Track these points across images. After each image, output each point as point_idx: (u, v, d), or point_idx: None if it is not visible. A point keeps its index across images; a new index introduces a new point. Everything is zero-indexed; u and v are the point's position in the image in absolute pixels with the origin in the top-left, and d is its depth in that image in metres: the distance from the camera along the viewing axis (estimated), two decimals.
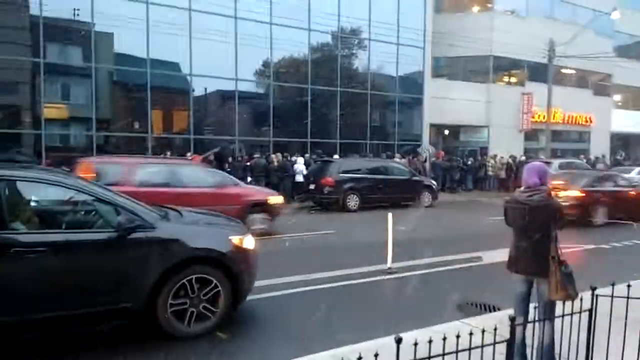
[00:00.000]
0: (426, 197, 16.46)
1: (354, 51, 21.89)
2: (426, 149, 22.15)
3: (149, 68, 16.66)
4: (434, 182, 17.37)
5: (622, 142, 32.95)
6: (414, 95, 23.10)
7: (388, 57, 21.77)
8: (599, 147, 29.62)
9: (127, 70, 17.12)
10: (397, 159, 18.94)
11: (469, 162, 22.71)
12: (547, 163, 20.31)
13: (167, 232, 4.59)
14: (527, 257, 3.84)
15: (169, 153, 15.69)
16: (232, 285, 4.81)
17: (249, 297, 5.42)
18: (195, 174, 11.66)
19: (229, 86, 18.48)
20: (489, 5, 25.77)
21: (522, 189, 3.91)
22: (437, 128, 25.17)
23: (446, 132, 26.39)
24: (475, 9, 26.49)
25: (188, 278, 4.58)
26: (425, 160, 20.84)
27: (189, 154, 16.06)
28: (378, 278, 7.05)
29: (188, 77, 17.68)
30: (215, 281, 4.70)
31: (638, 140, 33.74)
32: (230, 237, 4.92)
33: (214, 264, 4.73)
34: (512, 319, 2.94)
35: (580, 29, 22.29)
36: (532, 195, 3.80)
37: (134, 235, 4.36)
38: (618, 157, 28.73)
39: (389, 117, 23.17)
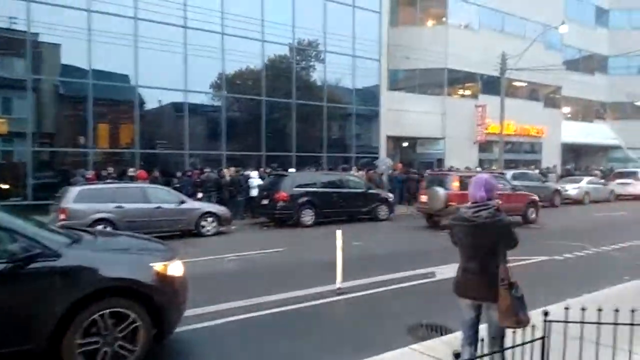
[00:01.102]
0: (383, 210, 16.24)
1: (310, 63, 21.64)
2: (384, 161, 22.04)
3: (92, 79, 15.79)
4: (390, 195, 17.18)
5: (573, 153, 34.08)
6: (371, 108, 23.04)
7: (344, 69, 21.64)
8: (551, 157, 30.48)
9: (70, 82, 16.16)
10: (353, 172, 18.69)
11: (425, 174, 22.71)
12: (501, 174, 20.64)
13: (75, 260, 4.01)
14: (476, 281, 3.48)
15: (110, 169, 14.81)
16: (154, 318, 4.26)
17: (180, 329, 4.88)
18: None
19: (178, 98, 17.78)
20: (443, 19, 26.19)
21: (468, 204, 3.57)
22: (394, 140, 25.18)
23: (404, 144, 26.47)
24: (430, 23, 26.87)
25: (100, 313, 4.00)
26: (383, 173, 20.69)
27: (131, 170, 15.24)
28: (326, 300, 6.60)
29: (134, 89, 16.85)
30: (133, 315, 4.13)
31: (587, 151, 34.99)
32: (151, 264, 4.36)
33: (132, 295, 4.16)
34: (456, 356, 2.55)
35: (531, 43, 22.87)
36: (478, 211, 3.46)
37: (34, 265, 3.76)
38: (568, 168, 29.62)
39: (346, 129, 23.00)
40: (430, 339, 4.93)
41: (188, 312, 5.08)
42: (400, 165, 22.98)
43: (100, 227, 10.91)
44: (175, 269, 4.52)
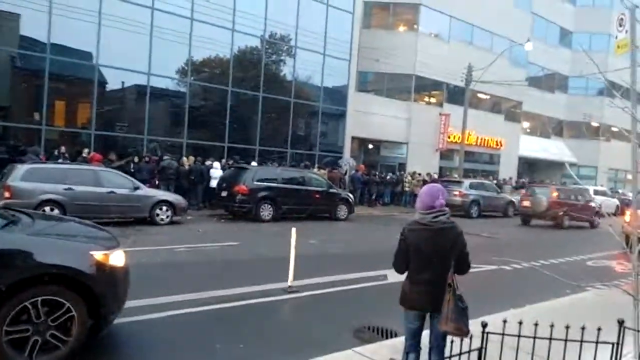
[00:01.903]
0: (342, 210, 16.30)
1: (280, 57, 21.45)
2: (347, 161, 22.16)
3: (50, 54, 15.09)
4: (350, 196, 17.27)
5: (529, 167, 35.27)
6: (338, 107, 23.07)
7: (314, 66, 21.56)
8: (508, 169, 31.44)
9: (28, 55, 15.38)
10: (315, 170, 18.68)
11: (387, 177, 23.04)
12: (459, 182, 21.11)
13: (6, 244, 3.79)
14: (430, 291, 3.44)
15: (63, 148, 14.20)
16: (92, 309, 4.08)
17: (119, 320, 4.71)
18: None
19: (141, 81, 17.23)
20: (415, 26, 26.51)
21: (423, 211, 3.53)
22: (359, 141, 25.33)
23: (370, 146, 26.68)
24: (402, 28, 27.14)
25: (32, 300, 3.79)
26: (346, 173, 20.79)
27: (86, 151, 14.68)
28: (276, 298, 6.53)
29: (95, 68, 16.21)
30: (68, 304, 3.94)
31: (543, 166, 36.29)
32: (91, 252, 4.17)
33: (68, 283, 3.97)
34: None
35: (496, 57, 23.47)
36: (437, 217, 3.48)
37: None
38: (523, 180, 30.63)
39: (312, 127, 22.94)
40: (375, 342, 4.95)
41: (130, 304, 4.90)
42: (363, 166, 23.16)
43: (47, 209, 10.49)
44: (117, 258, 4.35)
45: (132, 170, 14.45)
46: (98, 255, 4.18)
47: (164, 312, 5.53)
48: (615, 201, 27.13)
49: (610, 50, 5.27)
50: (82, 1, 15.38)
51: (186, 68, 18.29)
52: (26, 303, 3.77)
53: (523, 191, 21.62)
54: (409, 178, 22.86)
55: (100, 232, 4.81)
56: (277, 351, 4.78)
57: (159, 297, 5.95)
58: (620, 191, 31.79)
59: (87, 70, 16.21)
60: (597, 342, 3.28)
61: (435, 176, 24.49)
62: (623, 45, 5.34)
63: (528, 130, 35.30)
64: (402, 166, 25.80)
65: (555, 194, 18.59)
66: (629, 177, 31.85)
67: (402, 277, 3.65)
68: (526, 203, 18.97)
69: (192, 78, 18.49)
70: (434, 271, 3.43)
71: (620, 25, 5.37)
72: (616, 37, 5.44)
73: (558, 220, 18.01)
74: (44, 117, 15.32)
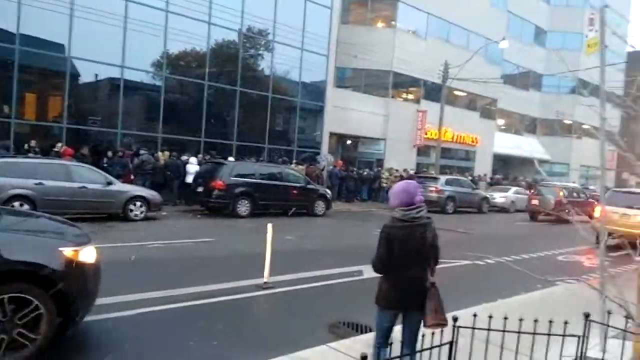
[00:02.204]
0: (320, 206, 16.32)
1: (258, 52, 21.28)
2: (325, 157, 22.16)
3: (19, 44, 14.64)
4: (328, 191, 17.29)
5: (503, 163, 35.89)
6: (316, 103, 23.04)
7: (292, 61, 21.47)
8: (483, 166, 31.96)
9: None
10: (293, 166, 18.64)
11: (364, 173, 23.15)
12: (435, 178, 21.36)
13: None
14: (412, 289, 3.45)
15: (33, 142, 13.82)
16: (61, 306, 3.99)
17: (90, 318, 4.62)
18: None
19: (115, 74, 16.87)
20: (392, 22, 26.63)
21: (403, 208, 3.52)
22: (337, 137, 25.37)
23: (348, 142, 26.75)
24: (380, 24, 27.24)
25: None
26: (324, 169, 20.80)
27: (59, 145, 14.32)
28: (251, 294, 6.50)
29: (67, 59, 15.79)
30: (36, 302, 3.84)
31: (517, 162, 36.99)
32: (60, 248, 4.07)
33: (36, 280, 3.87)
34: (363, 358, 2.54)
35: (472, 55, 23.76)
36: (419, 212, 3.50)
37: None
38: (498, 177, 31.18)
39: (290, 122, 22.87)
40: (349, 337, 4.97)
41: (101, 301, 4.81)
42: (340, 162, 23.22)
43: (17, 204, 10.22)
44: (88, 255, 4.26)
45: (106, 164, 14.17)
46: (67, 251, 4.08)
47: (135, 309, 5.44)
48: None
49: (582, 49, 5.38)
50: None
51: (161, 61, 17.99)
52: None
53: (530, 191, 23.86)
54: (387, 174, 23.01)
55: (71, 228, 4.71)
56: (252, 348, 4.76)
57: (131, 294, 5.86)
58: (591, 187, 32.61)
59: (58, 62, 15.78)
60: (563, 335, 3.36)
61: (412, 172, 24.70)
62: (593, 45, 5.46)
63: (503, 128, 35.91)
64: (379, 162, 25.96)
65: (561, 193, 20.60)
66: (599, 173, 32.71)
67: (376, 273, 3.64)
68: (535, 202, 20.81)
69: (167, 71, 18.20)
70: (417, 267, 3.46)
71: (591, 25, 5.49)
72: (586, 37, 5.56)
73: (564, 215, 18.58)
74: (14, 110, 14.88)
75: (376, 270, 3.55)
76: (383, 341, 3.58)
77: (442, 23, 28.22)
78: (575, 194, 21.17)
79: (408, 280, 3.47)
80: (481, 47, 25.98)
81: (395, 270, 3.46)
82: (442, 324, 3.39)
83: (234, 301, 6.16)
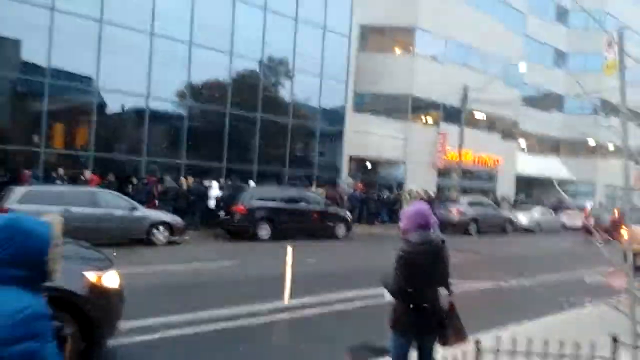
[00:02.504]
0: (341, 229, 16.27)
1: (278, 80, 21.70)
2: (346, 181, 22.20)
3: (49, 78, 15.25)
4: (349, 214, 17.26)
5: (527, 184, 35.31)
6: (335, 128, 23.22)
7: (311, 88, 21.78)
8: (505, 187, 31.48)
9: (28, 80, 15.57)
10: (313, 189, 18.71)
11: (385, 196, 23.07)
12: (457, 200, 21.12)
13: None
14: (431, 312, 3.37)
15: (61, 170, 14.24)
16: (84, 331, 4.06)
17: (114, 342, 4.68)
18: None
19: (140, 104, 17.39)
20: (410, 48, 26.86)
21: (417, 232, 3.45)
22: (357, 161, 25.42)
23: (368, 165, 26.77)
24: (398, 51, 27.50)
25: None
26: (343, 192, 20.80)
27: (86, 172, 14.72)
28: (272, 317, 6.51)
29: (95, 91, 16.37)
30: (59, 326, 3.92)
31: (541, 183, 36.36)
32: (84, 273, 4.18)
33: (60, 305, 3.95)
34: None
35: (491, 80, 23.75)
36: (433, 234, 3.50)
37: None
38: (520, 198, 30.69)
39: (310, 147, 23.06)
40: None
41: (124, 325, 4.89)
42: (360, 185, 23.20)
43: None
44: (111, 279, 4.35)
45: (131, 191, 14.47)
46: (91, 276, 4.18)
47: (159, 333, 5.49)
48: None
49: (603, 68, 5.35)
50: (82, 27, 15.60)
51: (185, 91, 18.49)
52: None
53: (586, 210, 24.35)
54: (407, 196, 22.86)
55: (94, 253, 4.82)
56: None
57: (155, 318, 5.91)
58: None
59: (86, 94, 16.38)
60: (593, 358, 3.27)
61: (433, 194, 24.50)
62: (612, 66, 5.44)
63: (525, 149, 35.46)
64: (400, 185, 25.84)
65: (617, 213, 21.08)
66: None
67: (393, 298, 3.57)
68: (591, 220, 21.02)
69: (190, 100, 18.67)
70: (432, 290, 3.40)
71: (609, 46, 5.48)
72: (605, 58, 5.54)
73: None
74: (43, 139, 15.41)
75: (392, 293, 3.46)
76: None
77: (460, 48, 28.33)
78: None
79: (424, 304, 3.40)
80: (500, 69, 25.94)
81: (412, 294, 3.38)
82: (463, 342, 3.40)
83: (255, 324, 6.17)
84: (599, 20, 31.49)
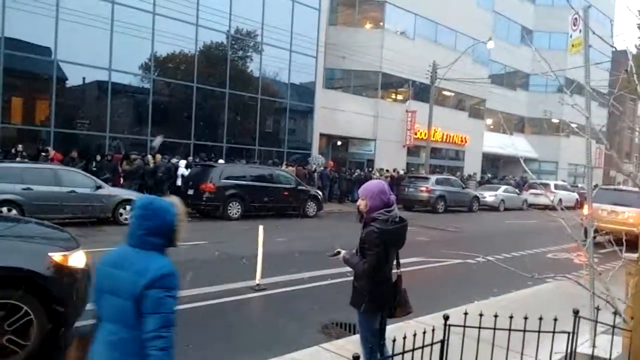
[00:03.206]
0: (311, 207, 16.32)
1: (247, 53, 21.25)
2: (316, 159, 22.17)
3: (4, 48, 14.48)
4: (319, 192, 17.30)
5: (492, 163, 36.16)
6: (306, 104, 23.05)
7: (280, 63, 21.47)
8: (472, 165, 32.16)
9: None
10: (283, 167, 18.62)
11: (356, 174, 23.20)
12: (425, 178, 21.46)
13: None
14: (393, 287, 3.50)
15: (20, 147, 13.67)
16: (51, 311, 3.96)
17: (81, 322, 4.58)
18: None
19: (102, 77, 16.75)
20: (380, 23, 26.72)
21: (387, 209, 3.48)
22: (327, 138, 25.40)
23: (338, 142, 26.78)
24: (368, 26, 27.32)
25: None
26: (315, 170, 20.81)
27: (48, 149, 14.18)
28: (244, 296, 6.50)
29: (53, 63, 15.63)
30: (26, 308, 3.82)
31: (506, 161, 37.29)
32: (49, 254, 4.05)
33: (26, 286, 3.84)
34: (355, 358, 2.55)
35: (460, 55, 23.95)
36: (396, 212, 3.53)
37: None
38: (488, 176, 31.41)
39: (280, 124, 22.86)
40: (342, 338, 4.99)
41: (92, 306, 4.78)
42: (331, 163, 23.24)
43: (4, 210, 10.11)
44: (77, 259, 4.23)
45: (95, 168, 14.06)
46: (56, 256, 4.06)
47: None
48: (575, 195, 28.16)
49: (568, 48, 5.46)
50: None
51: (149, 63, 17.89)
52: None
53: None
54: (377, 174, 23.07)
55: (59, 233, 4.67)
56: (246, 350, 4.76)
57: None
58: (579, 185, 32.99)
59: (45, 66, 15.63)
60: (554, 332, 3.40)
61: (402, 172, 24.79)
62: (577, 44, 5.54)
63: (491, 127, 36.17)
64: (370, 162, 26.02)
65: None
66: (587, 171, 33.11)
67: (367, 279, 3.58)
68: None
69: (155, 74, 18.10)
70: (392, 266, 3.51)
71: (574, 25, 5.56)
72: (571, 37, 5.63)
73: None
74: (0, 114, 14.70)
75: (369, 276, 3.39)
76: (381, 342, 3.59)
77: (429, 24, 28.38)
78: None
79: (388, 281, 3.49)
80: (468, 47, 26.18)
81: (382, 272, 3.43)
82: (409, 313, 3.61)
83: (227, 303, 6.15)
84: None
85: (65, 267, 4.10)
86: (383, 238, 3.34)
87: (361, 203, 3.49)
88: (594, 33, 3.99)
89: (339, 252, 3.57)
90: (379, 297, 3.46)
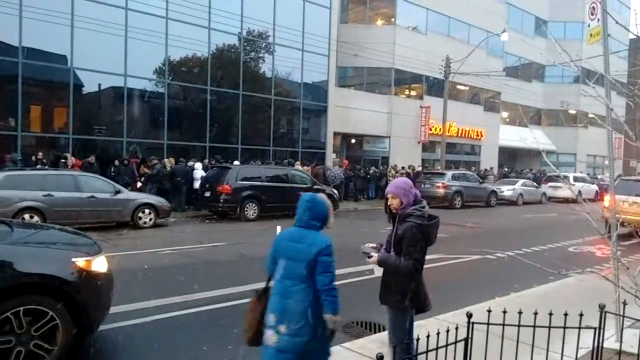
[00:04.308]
0: None
1: (259, 55, 21.33)
2: (331, 168, 22.07)
3: (22, 57, 14.75)
4: (335, 191, 17.28)
5: (509, 156, 35.74)
6: (319, 103, 23.05)
7: (293, 63, 21.51)
8: (489, 159, 31.82)
9: (1, 60, 14.96)
10: (298, 166, 18.64)
11: (371, 171, 23.14)
12: (441, 174, 21.29)
13: None
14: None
15: (40, 154, 13.92)
16: (76, 316, 4.02)
17: (104, 326, 4.65)
18: None
19: (118, 83, 16.97)
20: (392, 20, 26.59)
21: (420, 205, 3.47)
22: (341, 136, 25.37)
23: (352, 140, 26.73)
24: (379, 22, 27.21)
25: (14, 310, 3.73)
26: (330, 169, 20.77)
27: (67, 155, 14.41)
28: None
29: (70, 70, 15.87)
30: (51, 313, 3.88)
31: (522, 154, 36.82)
32: (73, 259, 4.11)
33: (51, 292, 3.91)
34: (380, 358, 2.54)
35: (473, 49, 23.71)
36: None
37: None
38: (505, 170, 31.05)
39: (294, 123, 22.89)
40: (363, 337, 4.97)
41: (115, 309, 4.86)
42: (346, 162, 23.21)
43: (27, 217, 10.30)
44: (100, 264, 4.29)
45: (113, 173, 14.25)
46: (80, 261, 4.12)
47: (150, 316, 5.47)
48: (595, 187, 27.66)
49: (584, 38, 5.34)
50: (53, 3, 15.04)
51: (163, 68, 18.07)
52: (8, 314, 3.71)
53: None
54: (392, 171, 22.98)
55: (82, 239, 4.74)
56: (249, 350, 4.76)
57: (145, 302, 5.88)
58: (599, 177, 32.41)
59: (62, 74, 15.89)
60: (579, 327, 3.34)
61: (419, 168, 24.66)
62: (595, 34, 5.42)
63: (507, 120, 35.76)
64: (385, 159, 25.92)
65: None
66: (607, 162, 32.55)
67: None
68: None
69: (169, 78, 18.28)
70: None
71: (592, 14, 5.45)
72: (588, 26, 5.52)
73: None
74: (19, 122, 15.00)
75: (414, 273, 3.41)
76: (409, 338, 3.57)
77: (441, 18, 28.16)
78: None
79: (422, 277, 3.52)
80: (482, 40, 25.90)
81: (419, 271, 3.46)
82: (429, 308, 3.67)
83: (246, 305, 6.16)
84: None
85: (89, 272, 4.16)
86: (422, 232, 3.38)
87: (393, 201, 3.50)
88: (616, 22, 3.90)
89: (371, 256, 3.58)
90: (414, 295, 3.47)
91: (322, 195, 3.22)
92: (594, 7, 5.39)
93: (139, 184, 14.84)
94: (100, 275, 4.29)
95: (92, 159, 14.43)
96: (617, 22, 3.75)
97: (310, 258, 2.94)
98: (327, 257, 2.96)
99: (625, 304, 3.74)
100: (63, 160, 14.02)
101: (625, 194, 12.30)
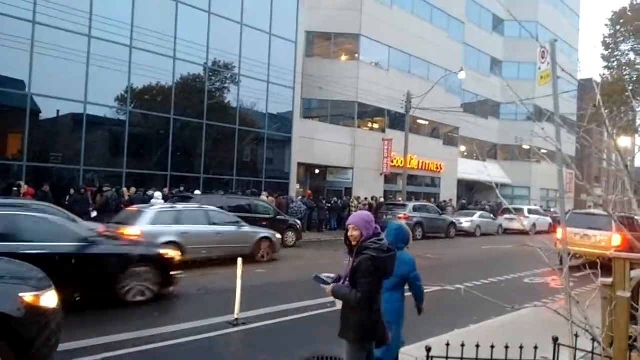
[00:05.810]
0: (290, 237, 16.21)
1: (224, 85, 21.38)
2: (294, 198, 22.13)
3: None
4: (298, 222, 17.23)
5: (467, 188, 36.75)
6: (284, 134, 23.19)
7: (258, 94, 21.65)
8: (448, 192, 32.65)
9: None
10: (263, 197, 18.54)
11: (333, 202, 23.26)
12: (403, 205, 21.62)
13: None
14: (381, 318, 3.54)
15: None
16: (20, 354, 3.80)
17: None
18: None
19: (76, 109, 16.56)
20: (356, 55, 27.34)
21: (377, 238, 3.47)
22: (305, 167, 25.50)
23: (316, 171, 26.89)
24: (344, 57, 27.91)
25: None
26: (293, 201, 20.76)
27: (21, 183, 13.83)
28: (222, 332, 6.35)
29: (26, 96, 15.39)
30: None
31: (480, 187, 37.91)
32: (20, 294, 3.91)
33: None
34: None
35: (432, 86, 24.60)
36: None
37: None
38: (463, 202, 31.86)
39: (258, 153, 22.87)
40: None
41: (63, 346, 4.62)
42: (309, 192, 23.26)
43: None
44: (49, 299, 4.10)
45: (67, 202, 13.74)
46: (28, 297, 3.92)
47: (102, 353, 5.23)
48: (549, 219, 28.73)
49: (537, 78, 5.68)
50: (12, 28, 14.70)
51: (125, 96, 17.81)
52: None
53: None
54: (355, 202, 23.18)
55: (32, 272, 4.52)
56: None
57: (97, 338, 5.63)
58: (552, 209, 33.70)
59: (18, 99, 15.40)
60: None
61: (381, 200, 24.97)
62: (546, 76, 5.75)
63: (465, 154, 36.94)
64: (348, 191, 26.14)
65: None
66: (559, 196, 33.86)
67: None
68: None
69: (132, 106, 18.01)
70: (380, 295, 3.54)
71: (542, 58, 5.80)
72: (539, 69, 5.85)
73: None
74: None
75: (363, 306, 3.37)
76: None
77: (403, 55, 29.19)
78: None
79: (380, 310, 3.50)
80: (441, 77, 26.95)
81: (376, 301, 3.44)
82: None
83: (206, 340, 6.00)
84: (530, 32, 33.43)
85: (37, 308, 3.96)
86: (377, 266, 3.35)
87: (354, 233, 3.49)
88: (563, 70, 4.16)
89: (327, 283, 3.55)
90: (371, 328, 3.44)
91: (400, 223, 4.77)
92: (544, 52, 5.73)
93: (93, 214, 14.33)
94: (49, 310, 4.09)
95: (46, 187, 13.89)
96: (563, 70, 4.01)
97: (405, 273, 4.38)
98: (415, 271, 4.57)
99: (577, 336, 3.86)
100: (16, 189, 13.43)
101: (577, 227, 12.83)
